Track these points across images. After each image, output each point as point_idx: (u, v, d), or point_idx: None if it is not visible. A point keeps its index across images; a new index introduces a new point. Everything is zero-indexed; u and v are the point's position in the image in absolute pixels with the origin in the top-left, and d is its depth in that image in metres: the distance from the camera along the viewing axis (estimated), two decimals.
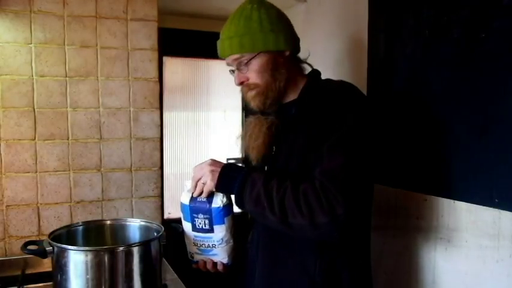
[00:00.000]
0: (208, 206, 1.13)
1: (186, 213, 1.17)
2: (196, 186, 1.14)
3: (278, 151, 1.19)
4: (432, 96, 1.32)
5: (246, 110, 1.36)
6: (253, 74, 1.17)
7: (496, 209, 1.14)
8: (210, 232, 1.15)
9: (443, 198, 1.30)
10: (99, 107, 1.66)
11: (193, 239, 1.18)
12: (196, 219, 1.16)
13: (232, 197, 1.13)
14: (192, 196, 1.15)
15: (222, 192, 1.13)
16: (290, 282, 1.13)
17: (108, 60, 1.67)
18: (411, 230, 1.42)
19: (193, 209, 1.15)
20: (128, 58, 1.70)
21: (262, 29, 1.16)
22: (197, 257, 1.22)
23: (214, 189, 1.12)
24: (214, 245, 1.17)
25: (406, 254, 1.44)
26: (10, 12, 1.53)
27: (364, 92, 1.58)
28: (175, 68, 2.25)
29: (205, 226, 1.15)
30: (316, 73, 1.24)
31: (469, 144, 1.20)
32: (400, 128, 1.44)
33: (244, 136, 1.26)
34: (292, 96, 1.20)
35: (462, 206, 1.24)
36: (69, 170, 1.63)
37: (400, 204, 1.45)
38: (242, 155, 1.26)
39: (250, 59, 1.16)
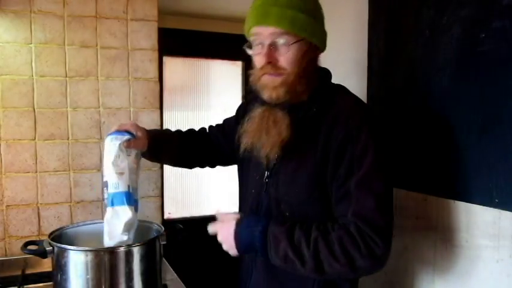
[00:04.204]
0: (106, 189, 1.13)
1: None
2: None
3: (284, 156, 1.09)
4: (432, 96, 1.32)
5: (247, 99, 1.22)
6: (287, 59, 1.02)
7: (496, 209, 1.14)
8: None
9: (443, 198, 1.30)
10: (99, 107, 1.66)
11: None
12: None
13: None
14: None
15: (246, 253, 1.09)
16: None
17: (108, 60, 1.67)
18: (411, 230, 1.42)
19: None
20: (128, 58, 1.70)
21: (316, 15, 1.04)
22: None
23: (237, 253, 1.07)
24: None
25: (406, 254, 1.44)
26: (10, 12, 1.53)
27: (365, 92, 1.58)
28: (175, 68, 2.24)
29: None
30: (326, 73, 1.16)
31: (469, 144, 1.20)
32: (399, 128, 1.44)
33: (253, 129, 1.09)
34: (302, 96, 1.08)
35: (462, 206, 1.24)
36: (69, 170, 1.63)
37: (400, 204, 1.45)
38: (244, 146, 1.12)
39: (294, 42, 1.02)
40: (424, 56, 1.35)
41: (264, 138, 1.06)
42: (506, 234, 1.12)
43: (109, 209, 1.11)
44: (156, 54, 1.74)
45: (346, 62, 1.75)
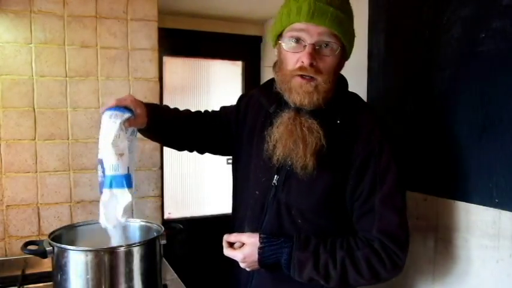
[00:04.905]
0: (102, 174, 1.05)
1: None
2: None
3: None
4: (432, 96, 1.32)
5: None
6: (328, 64, 0.98)
7: (496, 209, 1.14)
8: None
9: (443, 198, 1.30)
10: (99, 107, 1.66)
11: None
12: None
13: None
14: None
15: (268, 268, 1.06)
16: None
17: (108, 60, 1.67)
18: (411, 230, 1.41)
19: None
20: (128, 58, 1.70)
21: (352, 28, 1.03)
22: None
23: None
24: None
25: None
26: (10, 12, 1.53)
27: (365, 92, 1.58)
28: (175, 68, 2.25)
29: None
30: (343, 80, 1.14)
31: (469, 144, 1.20)
32: (399, 127, 1.44)
33: (286, 136, 1.02)
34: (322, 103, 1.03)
35: (462, 206, 1.24)
36: (69, 170, 1.63)
37: None
38: (277, 156, 1.05)
39: (340, 47, 0.98)
40: (424, 56, 1.35)
41: (301, 147, 1.00)
42: (506, 234, 1.12)
43: (106, 191, 1.05)
44: (156, 54, 1.74)
45: (346, 62, 1.74)
